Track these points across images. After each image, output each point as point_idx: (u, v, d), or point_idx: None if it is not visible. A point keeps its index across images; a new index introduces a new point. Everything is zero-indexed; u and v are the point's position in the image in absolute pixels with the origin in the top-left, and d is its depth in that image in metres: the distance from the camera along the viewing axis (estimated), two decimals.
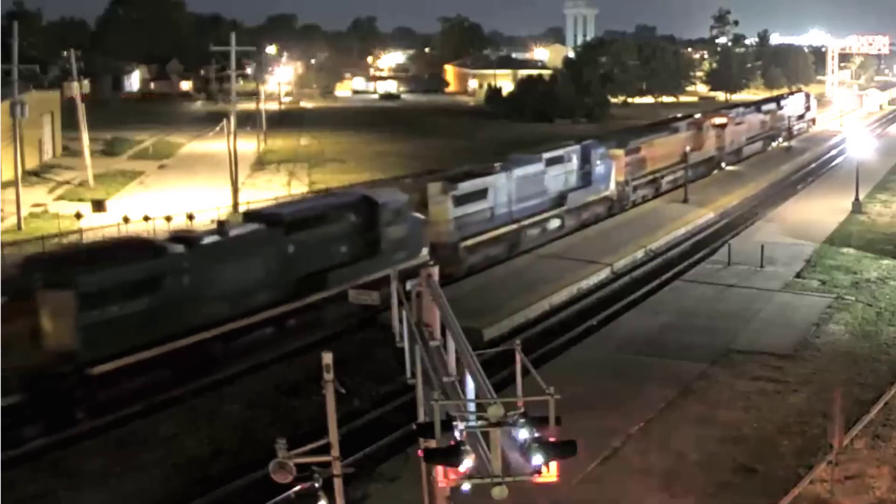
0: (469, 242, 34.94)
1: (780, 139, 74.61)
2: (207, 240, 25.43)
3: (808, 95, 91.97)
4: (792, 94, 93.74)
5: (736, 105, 79.12)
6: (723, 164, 61.03)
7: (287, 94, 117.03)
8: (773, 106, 77.03)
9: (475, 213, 35.70)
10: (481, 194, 36.20)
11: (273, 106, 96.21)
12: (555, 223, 40.98)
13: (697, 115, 62.65)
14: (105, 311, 21.73)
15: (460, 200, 34.86)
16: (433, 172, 48.39)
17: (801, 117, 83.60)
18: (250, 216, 28.33)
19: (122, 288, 22.25)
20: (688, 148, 52.97)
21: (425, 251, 31.42)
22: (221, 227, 27.01)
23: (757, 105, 75.91)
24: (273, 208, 30.84)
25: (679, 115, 65.54)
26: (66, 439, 20.19)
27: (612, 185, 45.79)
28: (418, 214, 32.20)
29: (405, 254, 29.80)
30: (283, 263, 26.59)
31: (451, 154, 65.41)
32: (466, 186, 35.46)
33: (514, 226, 37.87)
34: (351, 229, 29.19)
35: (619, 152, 47.39)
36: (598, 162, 44.22)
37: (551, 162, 41.13)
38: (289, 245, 26.90)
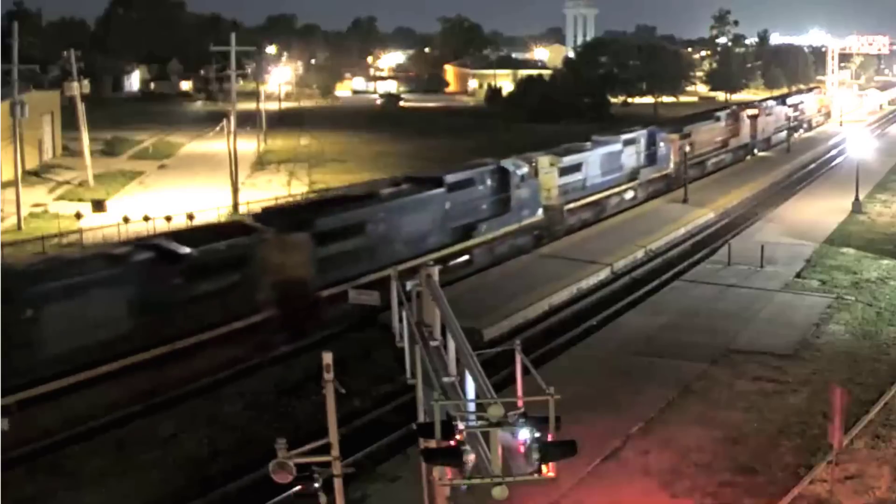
0: (570, 206, 42.20)
1: (802, 130, 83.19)
2: (393, 197, 32.06)
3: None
4: (810, 90, 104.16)
5: (764, 99, 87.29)
6: (755, 151, 67.94)
7: (287, 95, 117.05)
8: (796, 100, 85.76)
9: (573, 183, 43.18)
10: (578, 167, 43.68)
11: (273, 106, 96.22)
12: (629, 194, 48.55)
13: (734, 107, 70.25)
14: (330, 248, 27.90)
15: (563, 171, 42.08)
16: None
17: (818, 111, 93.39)
18: (414, 180, 34.51)
19: (340, 231, 28.64)
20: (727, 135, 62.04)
21: (540, 211, 39.20)
22: (400, 187, 33.33)
23: (782, 99, 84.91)
24: (435, 173, 36.43)
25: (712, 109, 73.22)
26: (67, 439, 20.19)
27: (671, 165, 53.00)
28: (537, 181, 39.28)
29: (528, 212, 38.25)
30: (445, 216, 33.70)
31: (449, 154, 65.34)
32: (568, 160, 42.72)
33: (601, 194, 45.57)
34: (490, 191, 36.38)
35: (675, 136, 54.65)
36: (662, 144, 51.98)
37: (627, 143, 48.88)
38: (448, 202, 33.77)
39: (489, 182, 36.39)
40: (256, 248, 25.79)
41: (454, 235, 34.12)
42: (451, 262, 33.23)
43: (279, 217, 28.62)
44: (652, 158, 51.04)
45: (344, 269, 27.98)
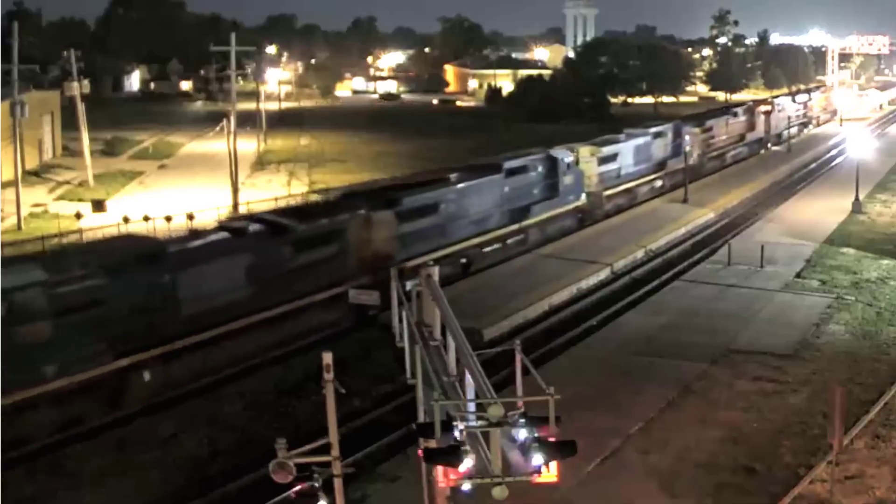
0: (608, 193, 46.09)
1: (811, 125, 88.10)
2: (460, 181, 35.00)
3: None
4: (817, 89, 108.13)
5: (776, 96, 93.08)
6: (769, 145, 71.35)
7: (287, 95, 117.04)
8: (805, 98, 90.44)
9: (610, 171, 46.97)
10: (614, 157, 47.43)
11: (273, 106, 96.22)
12: (658, 183, 52.25)
13: (750, 103, 74.80)
14: (411, 225, 31.22)
15: (601, 161, 45.91)
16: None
17: (825, 108, 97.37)
18: (476, 168, 37.39)
19: (419, 210, 31.96)
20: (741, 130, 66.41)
21: (584, 196, 43.17)
22: (466, 171, 36.31)
23: (793, 96, 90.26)
24: (494, 159, 39.51)
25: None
26: (67, 439, 20.20)
27: (696, 156, 56.76)
28: (580, 168, 43.16)
29: (573, 196, 42.26)
30: (503, 199, 37.29)
31: (449, 155, 65.33)
32: (606, 150, 46.72)
33: (634, 182, 49.19)
34: (541, 177, 39.94)
35: (697, 130, 58.58)
36: (687, 137, 54.90)
37: (656, 135, 52.83)
38: (506, 186, 37.32)
39: (540, 169, 39.97)
40: (351, 223, 28.98)
41: (511, 216, 37.85)
42: (509, 240, 37.52)
43: (366, 197, 31.31)
44: (678, 150, 53.95)
45: (421, 244, 31.36)
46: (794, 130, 79.13)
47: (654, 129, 53.19)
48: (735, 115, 67.19)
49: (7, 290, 19.89)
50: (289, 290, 25.78)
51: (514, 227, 37.93)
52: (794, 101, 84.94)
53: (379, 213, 30.18)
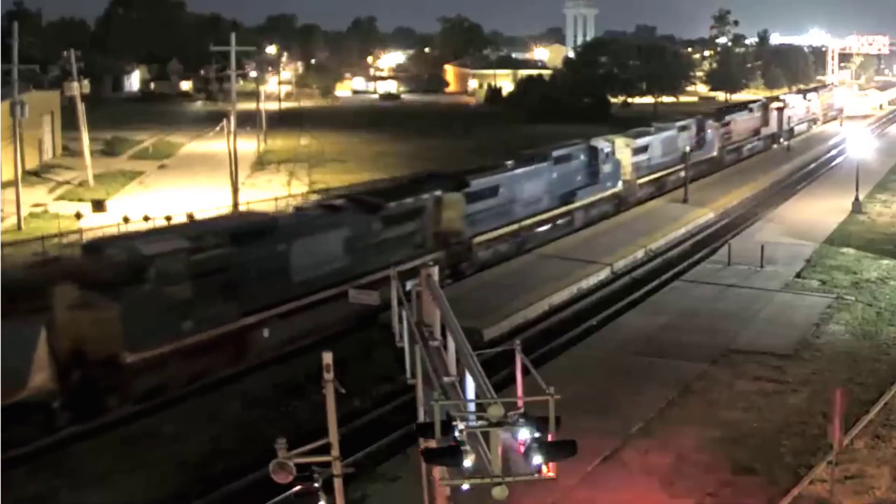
0: (640, 181, 50.00)
1: (819, 122, 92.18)
2: (515, 167, 38.76)
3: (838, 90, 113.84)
4: (824, 87, 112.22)
5: (788, 93, 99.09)
6: (781, 140, 74.25)
7: (287, 95, 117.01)
8: (813, 96, 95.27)
9: (642, 161, 50.61)
10: (645, 148, 51.25)
11: (273, 106, 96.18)
12: (682, 173, 53.18)
13: (763, 100, 79.00)
14: (476, 205, 34.90)
15: (635, 151, 49.65)
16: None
17: (830, 106, 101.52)
18: (527, 157, 40.65)
19: (483, 193, 35.55)
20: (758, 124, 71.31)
21: (620, 184, 47.05)
22: (521, 159, 39.93)
23: (803, 93, 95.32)
24: (542, 149, 42.81)
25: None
26: (67, 439, 20.22)
27: (717, 149, 61.75)
28: (617, 158, 46.98)
29: (611, 183, 46.19)
30: (552, 184, 41.00)
31: (449, 155, 65.36)
32: (639, 142, 50.51)
33: (662, 172, 52.64)
34: (584, 165, 43.93)
35: (717, 124, 62.71)
36: (709, 131, 60.27)
37: (681, 129, 56.43)
38: (554, 172, 41.20)
39: (583, 157, 43.92)
40: (428, 203, 32.48)
41: (559, 200, 41.62)
42: (558, 221, 41.50)
43: (440, 180, 34.89)
44: (701, 143, 58.63)
45: (484, 223, 35.56)
46: (803, 126, 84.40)
47: (679, 123, 57.06)
48: (750, 110, 71.45)
49: (156, 255, 22.69)
50: (378, 260, 28.36)
51: (562, 209, 41.87)
52: (804, 98, 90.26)
53: (450, 195, 33.66)
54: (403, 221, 31.08)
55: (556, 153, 41.83)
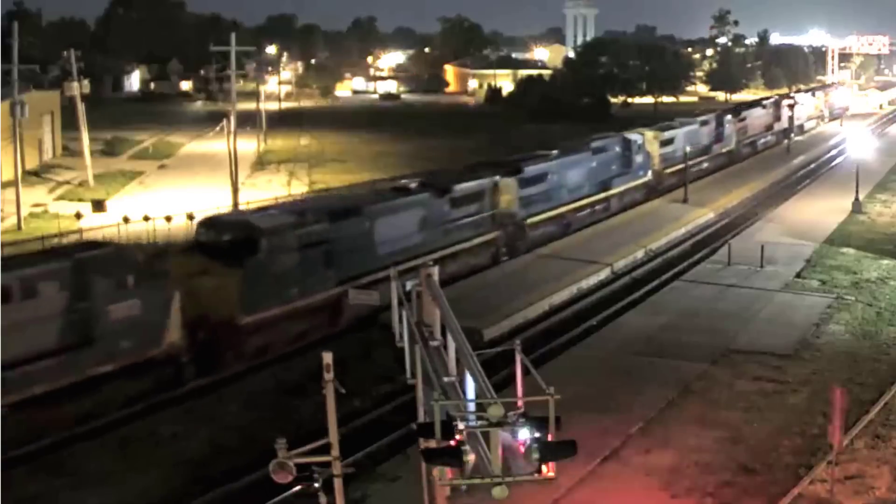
0: (667, 171, 53.20)
1: (827, 118, 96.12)
2: (560, 156, 42.11)
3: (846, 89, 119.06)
4: (830, 86, 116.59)
5: (799, 90, 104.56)
6: (792, 135, 75.75)
7: (287, 95, 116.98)
8: (821, 94, 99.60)
9: (670, 153, 53.76)
10: (672, 141, 54.71)
11: (273, 106, 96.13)
12: (705, 164, 59.32)
13: (776, 97, 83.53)
14: (528, 190, 38.39)
15: (663, 144, 53.37)
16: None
17: (834, 104, 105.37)
18: (566, 148, 43.97)
19: (533, 178, 39.00)
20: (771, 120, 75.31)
21: (650, 173, 50.86)
22: (565, 150, 43.49)
23: (812, 91, 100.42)
24: (583, 140, 46.55)
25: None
26: (68, 439, 20.21)
27: (734, 142, 65.72)
28: (648, 150, 50.48)
29: (643, 173, 49.86)
30: (591, 172, 44.35)
31: (449, 154, 65.33)
32: (666, 135, 54.44)
33: (688, 163, 53.63)
34: (618, 155, 47.46)
35: (735, 120, 66.63)
36: (727, 125, 64.00)
37: (703, 123, 60.42)
38: (594, 162, 44.66)
39: (617, 149, 47.32)
40: (488, 187, 35.85)
41: (597, 187, 44.94)
42: (597, 207, 44.79)
43: (496, 166, 38.45)
44: (720, 136, 62.51)
45: (534, 207, 38.97)
46: (812, 123, 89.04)
47: (700, 118, 60.99)
48: (764, 107, 76.13)
49: (268, 229, 25.92)
50: (447, 238, 32.76)
51: (601, 196, 45.19)
52: (813, 95, 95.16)
53: (506, 179, 36.99)
54: (468, 203, 34.47)
55: (594, 144, 45.49)
